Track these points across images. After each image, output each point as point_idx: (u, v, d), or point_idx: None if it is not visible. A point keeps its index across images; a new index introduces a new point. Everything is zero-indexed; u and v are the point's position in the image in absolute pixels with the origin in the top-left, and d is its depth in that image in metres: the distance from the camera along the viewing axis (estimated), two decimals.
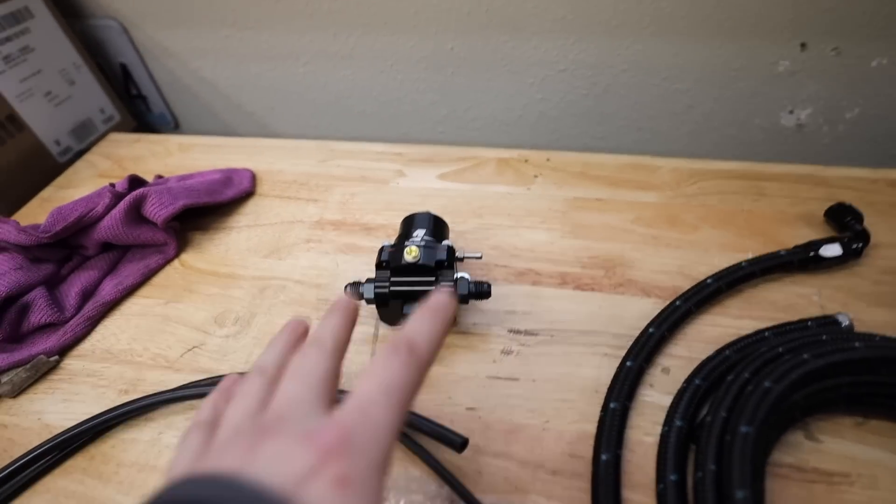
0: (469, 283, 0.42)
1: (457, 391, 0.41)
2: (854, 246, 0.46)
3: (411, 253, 0.41)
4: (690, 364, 0.40)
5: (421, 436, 0.37)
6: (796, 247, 0.47)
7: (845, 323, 0.40)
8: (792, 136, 0.66)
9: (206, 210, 0.59)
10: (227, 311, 0.50)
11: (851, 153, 0.66)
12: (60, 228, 0.51)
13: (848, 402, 0.36)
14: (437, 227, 0.46)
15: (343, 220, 0.58)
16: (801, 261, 0.46)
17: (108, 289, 0.52)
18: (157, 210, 0.52)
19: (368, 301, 0.43)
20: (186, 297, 0.51)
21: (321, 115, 0.79)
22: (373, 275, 0.43)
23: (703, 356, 0.40)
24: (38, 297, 0.49)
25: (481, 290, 0.42)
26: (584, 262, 0.50)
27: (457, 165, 0.63)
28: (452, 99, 0.72)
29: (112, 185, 0.55)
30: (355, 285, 0.43)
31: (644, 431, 0.37)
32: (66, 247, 0.54)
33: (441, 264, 0.41)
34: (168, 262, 0.55)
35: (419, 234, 0.44)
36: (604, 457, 0.35)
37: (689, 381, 0.38)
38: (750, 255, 0.47)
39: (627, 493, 0.34)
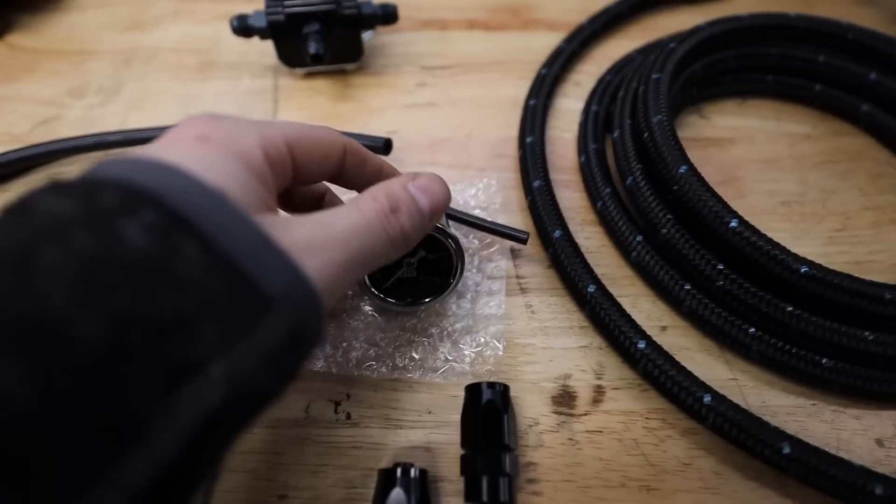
0: (375, 4, 0.38)
1: (373, 121, 0.39)
2: None
3: None
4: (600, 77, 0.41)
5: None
6: None
7: None
8: None
9: None
10: (85, 83, 0.41)
11: None
12: None
13: (733, 79, 0.39)
14: None
15: None
16: None
17: None
18: None
19: (262, 34, 0.38)
20: (24, 77, 0.42)
21: None
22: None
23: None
24: None
25: (388, 12, 0.38)
26: (490, 9, 0.48)
27: None
28: None
29: None
30: (241, 17, 0.37)
31: (563, 129, 0.38)
32: None
33: None
34: None
35: None
36: (529, 139, 0.35)
37: (600, 79, 0.39)
38: None
39: (553, 175, 0.35)
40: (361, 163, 0.23)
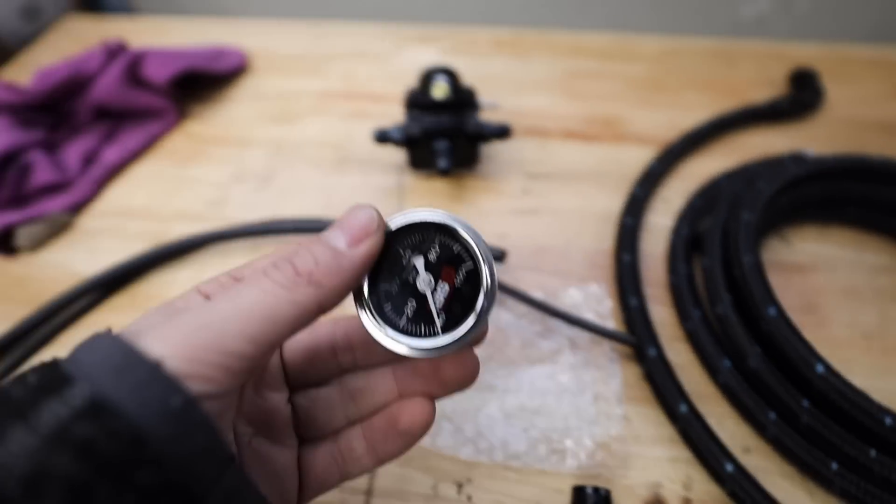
0: (493, 123, 0.45)
1: (485, 224, 0.45)
2: (811, 101, 0.53)
3: (440, 90, 0.43)
4: (687, 195, 0.46)
5: None
6: (766, 102, 0.53)
7: (811, 155, 0.47)
8: (753, 24, 0.72)
9: (200, 83, 0.57)
10: (244, 169, 0.50)
11: (806, 34, 0.72)
12: (51, 86, 0.48)
13: (816, 208, 0.43)
14: (454, 77, 0.48)
15: (348, 90, 0.58)
16: (770, 112, 0.52)
17: (111, 154, 0.50)
18: (158, 70, 0.50)
19: (398, 143, 0.45)
20: (199, 161, 0.51)
21: None
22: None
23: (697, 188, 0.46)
24: (37, 158, 0.47)
25: (504, 130, 0.45)
26: (585, 120, 0.54)
27: (453, 41, 0.64)
28: None
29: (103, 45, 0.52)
30: (383, 131, 0.45)
31: (653, 244, 0.43)
32: (56, 113, 0.51)
33: (467, 102, 0.44)
34: (170, 129, 0.53)
35: (441, 78, 0.46)
36: (625, 258, 0.40)
37: (688, 202, 0.44)
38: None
39: (644, 289, 0.40)
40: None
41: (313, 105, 0.56)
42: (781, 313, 0.32)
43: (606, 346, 0.36)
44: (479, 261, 0.21)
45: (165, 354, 0.16)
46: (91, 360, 0.16)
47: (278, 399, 0.23)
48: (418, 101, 0.44)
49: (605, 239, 0.43)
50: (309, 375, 0.24)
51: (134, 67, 0.50)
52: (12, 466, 0.14)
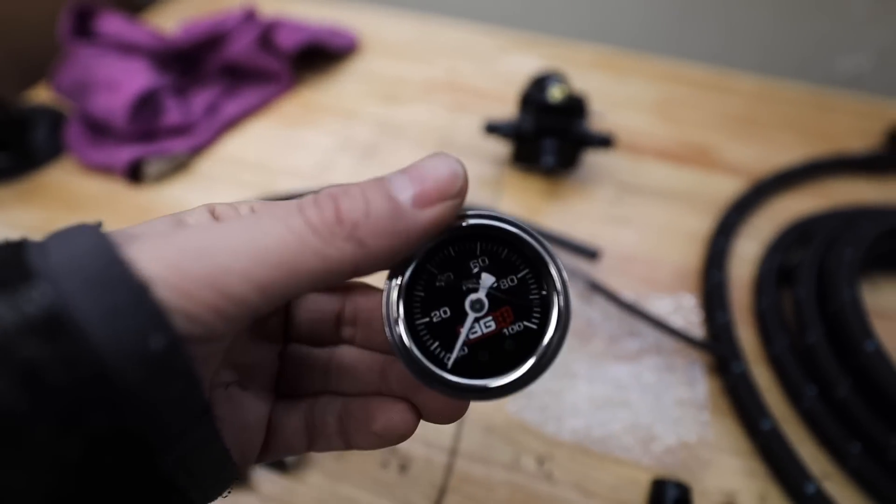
0: (599, 131, 0.47)
1: (575, 224, 0.46)
2: None
3: (559, 92, 0.45)
4: (776, 228, 0.46)
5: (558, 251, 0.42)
6: (863, 151, 0.54)
7: None
8: (850, 78, 0.73)
9: (316, 57, 0.61)
10: (351, 140, 0.53)
11: None
12: (194, 38, 0.52)
13: None
14: (567, 84, 0.50)
15: (451, 83, 0.61)
16: (866, 162, 0.53)
17: (231, 108, 0.54)
18: (288, 38, 0.54)
19: (507, 136, 0.47)
20: (309, 126, 0.54)
21: None
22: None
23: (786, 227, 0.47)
24: (169, 101, 0.50)
25: (608, 139, 0.46)
26: (677, 144, 0.55)
27: (553, 51, 0.67)
28: None
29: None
30: (493, 123, 0.47)
31: (740, 270, 0.44)
32: (189, 62, 0.55)
33: (578, 108, 0.46)
34: (285, 93, 0.57)
35: (556, 82, 0.48)
36: (716, 276, 0.41)
37: (780, 234, 0.45)
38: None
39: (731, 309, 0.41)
40: None
41: (418, 91, 0.59)
42: (879, 347, 0.32)
43: (691, 355, 0.37)
44: (548, 327, 0.16)
45: (155, 277, 0.13)
46: (61, 259, 0.12)
47: (269, 350, 0.20)
48: (535, 99, 0.46)
49: (691, 257, 0.44)
50: (302, 332, 0.21)
51: (267, 33, 0.53)
52: None
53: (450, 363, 0.16)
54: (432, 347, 0.16)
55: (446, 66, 0.63)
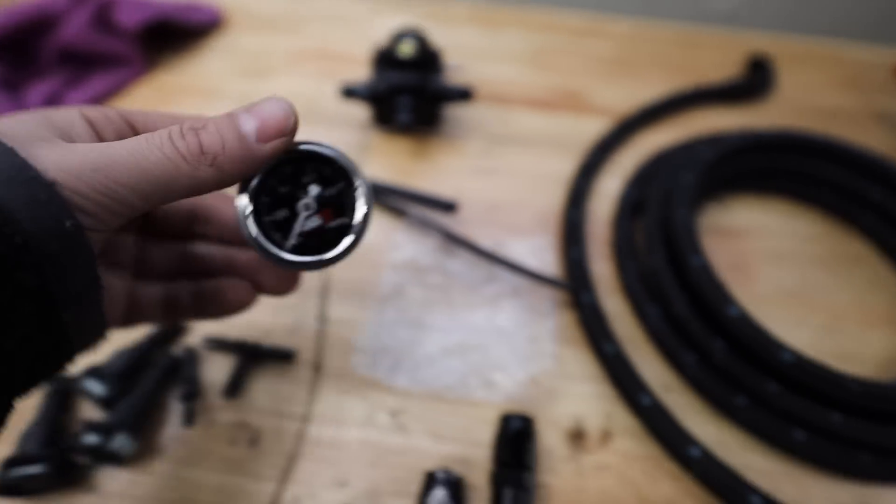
0: (456, 85, 0.46)
1: (443, 180, 0.46)
2: (762, 85, 0.56)
3: (406, 48, 0.44)
4: (639, 163, 0.48)
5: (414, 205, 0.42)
6: (720, 82, 0.56)
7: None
8: (724, 17, 0.75)
9: (172, 36, 0.57)
10: None
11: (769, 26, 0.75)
12: (14, 23, 0.48)
13: (754, 178, 0.45)
14: (422, 39, 0.49)
15: (322, 51, 0.59)
16: (724, 92, 0.55)
17: (75, 98, 0.50)
18: (129, 15, 0.50)
19: (363, 98, 0.46)
20: (166, 110, 0.51)
21: None
22: None
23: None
24: None
25: (466, 92, 0.46)
26: (548, 91, 0.56)
27: (429, 10, 0.66)
28: None
29: None
30: (349, 86, 0.46)
31: (603, 207, 0.45)
32: (19, 53, 0.51)
33: (431, 63, 0.45)
34: (138, 77, 0.54)
35: (409, 38, 0.47)
36: (572, 213, 0.42)
37: (637, 168, 0.46)
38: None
39: (590, 246, 0.42)
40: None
41: (286, 63, 0.57)
42: (704, 262, 0.34)
43: (546, 293, 0.38)
44: (355, 227, 0.22)
45: (61, 180, 0.17)
46: None
47: (132, 239, 0.26)
48: (385, 58, 0.45)
49: (556, 200, 0.45)
50: (157, 223, 0.26)
51: (104, 11, 0.50)
52: None
53: (287, 247, 0.22)
54: (275, 238, 0.22)
55: (318, 35, 0.61)
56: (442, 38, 0.54)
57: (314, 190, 0.22)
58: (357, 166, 0.22)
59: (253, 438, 0.32)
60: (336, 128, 0.50)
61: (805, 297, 0.40)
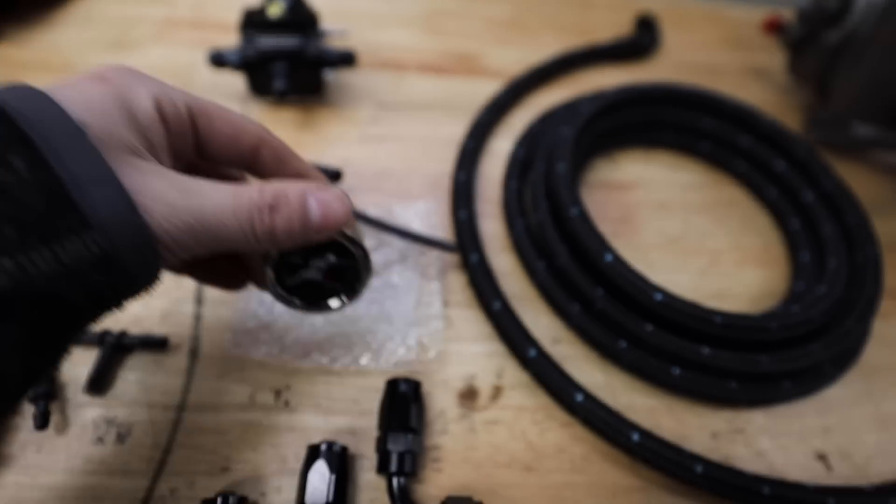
0: (336, 48, 0.44)
1: (330, 149, 0.44)
2: (649, 44, 0.57)
3: (275, 8, 0.41)
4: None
5: None
6: (609, 42, 0.57)
7: None
8: None
9: (19, 5, 0.51)
10: None
11: None
12: None
13: (638, 133, 0.47)
14: (297, 1, 0.46)
15: (196, 19, 0.54)
16: (612, 51, 0.56)
17: None
18: None
19: (235, 67, 0.43)
20: None
21: None
22: None
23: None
24: None
25: (347, 56, 0.44)
26: (441, 55, 0.55)
27: None
28: None
29: None
30: (218, 52, 0.42)
31: (494, 167, 0.45)
32: None
33: (306, 23, 0.42)
34: None
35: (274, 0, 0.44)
36: (460, 175, 0.41)
37: (527, 127, 0.46)
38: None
39: (480, 206, 0.41)
40: (280, 160, 0.25)
41: (156, 33, 0.52)
42: (582, 212, 0.34)
43: (434, 257, 0.38)
44: (349, 299, 0.28)
45: (153, 223, 0.18)
46: (106, 213, 0.17)
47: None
48: (253, 20, 0.42)
49: (446, 163, 0.44)
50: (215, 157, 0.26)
51: None
52: None
53: (287, 283, 0.26)
54: (289, 285, 0.26)
55: (191, 2, 0.56)
56: (329, 3, 0.51)
57: (331, 258, 0.26)
58: (369, 258, 0.26)
59: (121, 433, 0.29)
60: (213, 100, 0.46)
61: (686, 243, 0.42)
